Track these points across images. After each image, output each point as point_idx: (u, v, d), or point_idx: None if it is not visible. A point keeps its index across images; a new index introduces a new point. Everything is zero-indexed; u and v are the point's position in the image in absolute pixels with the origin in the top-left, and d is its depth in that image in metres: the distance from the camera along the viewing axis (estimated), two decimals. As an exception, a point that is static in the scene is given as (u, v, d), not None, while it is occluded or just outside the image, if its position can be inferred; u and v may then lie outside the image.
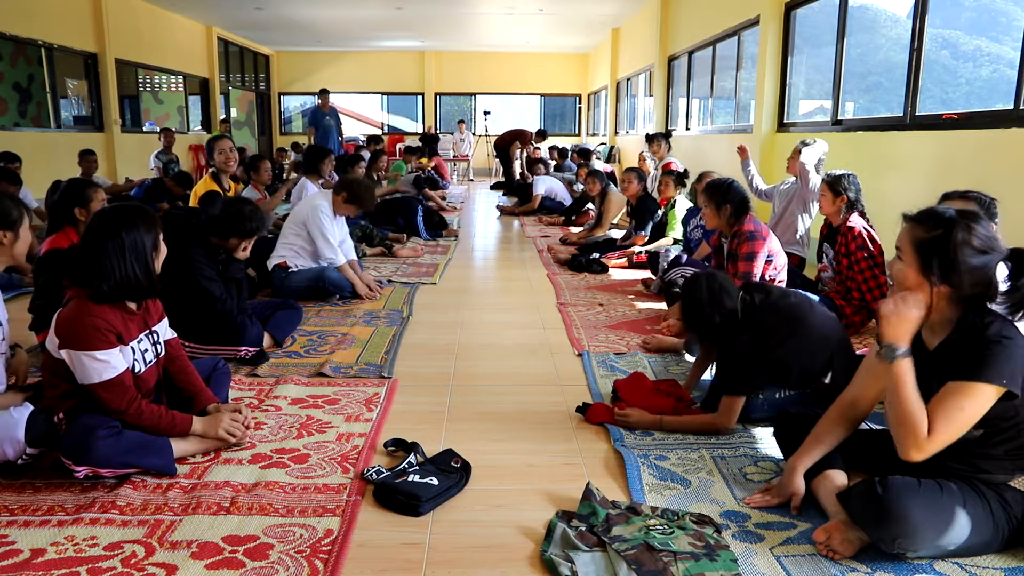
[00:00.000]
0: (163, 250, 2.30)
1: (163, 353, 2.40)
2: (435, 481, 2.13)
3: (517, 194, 11.08)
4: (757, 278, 3.49)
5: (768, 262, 3.56)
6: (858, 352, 2.79)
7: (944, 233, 1.74)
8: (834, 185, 3.82)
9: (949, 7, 5.83)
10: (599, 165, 10.93)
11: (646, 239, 6.04)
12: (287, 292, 4.40)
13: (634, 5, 12.33)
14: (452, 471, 2.21)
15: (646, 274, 5.30)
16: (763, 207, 5.88)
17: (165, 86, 13.86)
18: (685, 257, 4.69)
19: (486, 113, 17.85)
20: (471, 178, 16.71)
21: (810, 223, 4.99)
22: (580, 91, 19.22)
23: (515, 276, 5.68)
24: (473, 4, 12.57)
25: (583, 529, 1.92)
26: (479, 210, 10.56)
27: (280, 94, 19.27)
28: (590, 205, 8.35)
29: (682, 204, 5.87)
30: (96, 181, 5.38)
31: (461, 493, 2.15)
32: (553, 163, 13.12)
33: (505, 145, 12.64)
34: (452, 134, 17.50)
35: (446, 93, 19.43)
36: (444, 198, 10.62)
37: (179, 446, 2.27)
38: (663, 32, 11.26)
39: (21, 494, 2.09)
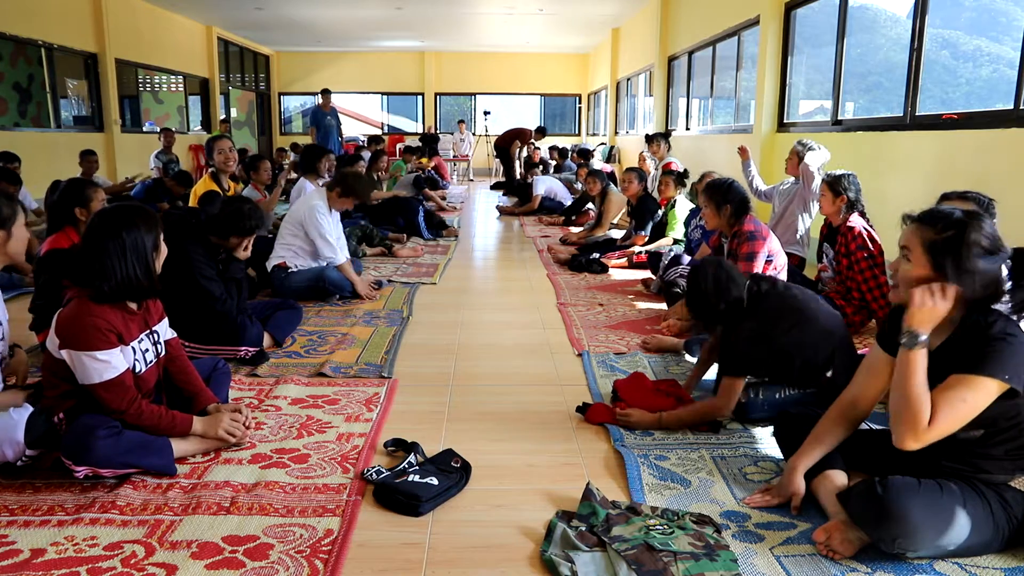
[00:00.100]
0: (164, 250, 2.30)
1: (163, 353, 2.40)
2: (435, 481, 2.13)
3: (517, 194, 11.08)
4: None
5: (768, 262, 3.57)
6: (859, 352, 2.79)
7: (957, 234, 1.74)
8: (834, 185, 3.82)
9: (949, 7, 5.83)
10: (598, 165, 10.93)
11: (646, 239, 6.05)
12: (287, 292, 4.40)
13: (634, 5, 12.33)
14: (452, 471, 2.21)
15: (646, 274, 5.30)
16: (763, 207, 5.88)
17: (165, 86, 13.86)
18: (687, 258, 4.69)
19: (486, 113, 17.85)
20: (471, 178, 16.71)
21: (810, 223, 4.99)
22: (580, 91, 19.22)
23: (515, 276, 5.68)
24: (473, 4, 12.57)
25: (583, 529, 1.92)
26: (479, 210, 10.56)
27: (280, 94, 19.27)
28: (590, 205, 8.35)
29: (682, 204, 5.87)
30: (96, 181, 5.38)
31: (461, 493, 2.15)
32: (553, 163, 13.13)
33: (505, 145, 12.65)
34: (452, 134, 17.50)
35: (446, 93, 19.43)
36: (444, 198, 10.62)
37: (179, 446, 2.27)
38: (663, 32, 11.26)
39: (21, 494, 2.09)
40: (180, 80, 14.02)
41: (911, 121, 5.07)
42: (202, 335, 3.28)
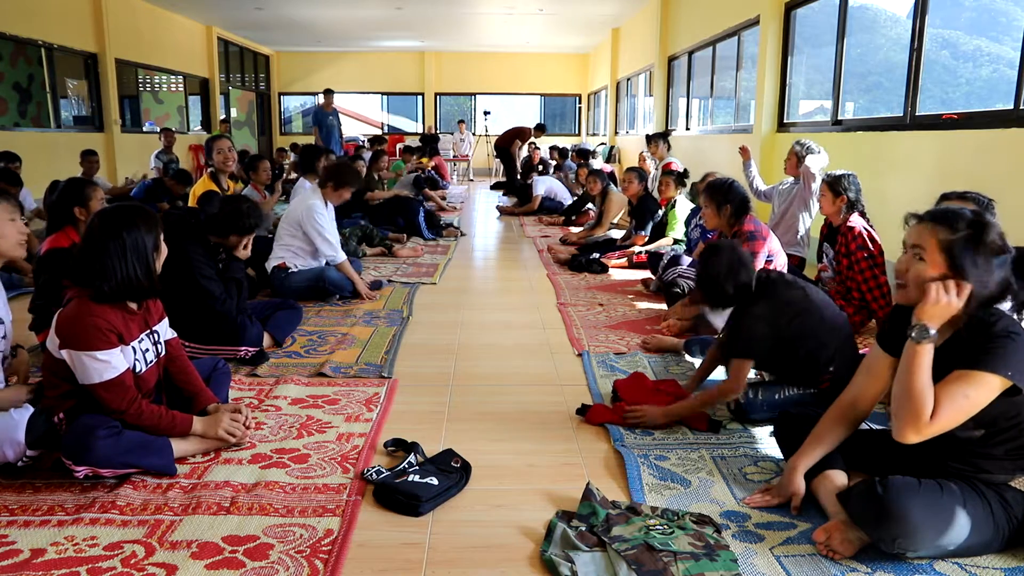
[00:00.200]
0: (164, 250, 2.30)
1: (163, 353, 2.40)
2: (435, 481, 2.13)
3: (517, 194, 11.09)
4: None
5: (768, 262, 3.57)
6: (860, 351, 2.80)
7: (974, 234, 1.74)
8: (834, 185, 3.82)
9: (949, 7, 5.83)
10: (598, 164, 10.93)
11: (646, 239, 6.05)
12: (287, 292, 4.40)
13: (634, 5, 12.33)
14: (452, 471, 2.21)
15: (646, 274, 5.29)
16: (763, 207, 5.88)
17: (165, 86, 13.86)
18: (686, 258, 4.69)
19: (486, 113, 17.85)
20: (471, 178, 16.71)
21: (810, 223, 4.99)
22: (580, 91, 19.22)
23: (515, 276, 5.68)
24: (473, 4, 12.57)
25: (583, 529, 1.92)
26: (479, 210, 10.56)
27: (280, 94, 19.28)
28: (590, 205, 8.36)
29: (682, 204, 5.87)
30: (96, 181, 5.38)
31: (461, 493, 2.15)
32: (553, 163, 13.13)
33: (505, 145, 12.65)
34: (452, 134, 17.50)
35: (446, 93, 19.43)
36: (444, 198, 10.63)
37: (179, 446, 2.27)
38: (663, 32, 11.26)
39: (21, 494, 2.09)
40: (180, 80, 14.02)
41: (911, 121, 5.07)
42: (202, 335, 3.27)
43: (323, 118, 11.47)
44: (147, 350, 2.29)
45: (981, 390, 1.70)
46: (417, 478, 2.13)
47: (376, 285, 4.87)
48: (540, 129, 13.93)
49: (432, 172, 12.12)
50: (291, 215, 4.62)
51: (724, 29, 8.69)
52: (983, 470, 1.81)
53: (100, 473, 2.09)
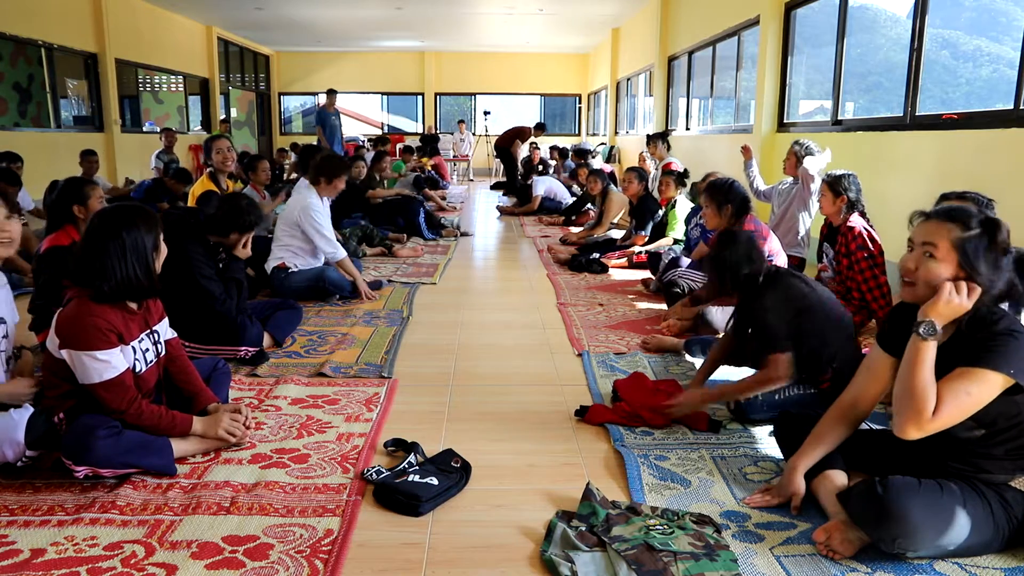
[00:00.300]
0: (163, 250, 2.30)
1: (163, 353, 2.40)
2: (435, 481, 2.13)
3: (517, 194, 11.09)
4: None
5: (768, 262, 3.56)
6: (862, 351, 2.80)
7: (987, 233, 1.75)
8: (834, 185, 3.82)
9: (949, 7, 5.83)
10: (597, 164, 10.93)
11: (646, 239, 6.05)
12: (287, 292, 4.40)
13: (634, 5, 12.33)
14: (452, 471, 2.21)
15: (646, 274, 5.30)
16: (763, 207, 5.88)
17: (165, 86, 13.86)
18: (686, 260, 4.69)
19: (486, 113, 17.85)
20: (471, 178, 16.72)
21: (810, 223, 4.99)
22: (580, 91, 19.22)
23: (515, 276, 5.68)
24: (473, 4, 12.57)
25: (583, 529, 1.92)
26: (479, 210, 10.56)
27: (280, 94, 19.27)
28: (590, 205, 8.36)
29: (682, 204, 5.87)
30: (95, 181, 5.38)
31: (461, 493, 2.15)
32: (554, 163, 13.13)
33: (506, 145, 12.65)
34: (452, 134, 17.50)
35: (446, 93, 19.43)
36: (444, 198, 10.62)
37: (179, 446, 2.27)
38: (663, 32, 11.26)
39: (21, 494, 2.09)
40: (180, 80, 14.02)
41: (911, 121, 5.07)
42: (202, 335, 3.27)
43: (327, 118, 11.52)
44: (147, 350, 2.29)
45: (983, 387, 1.70)
46: (417, 478, 2.13)
47: (376, 285, 4.87)
48: (540, 128, 13.93)
49: (432, 172, 12.12)
50: (288, 215, 4.61)
51: (724, 29, 8.69)
52: (983, 470, 1.81)
53: (100, 473, 2.09)
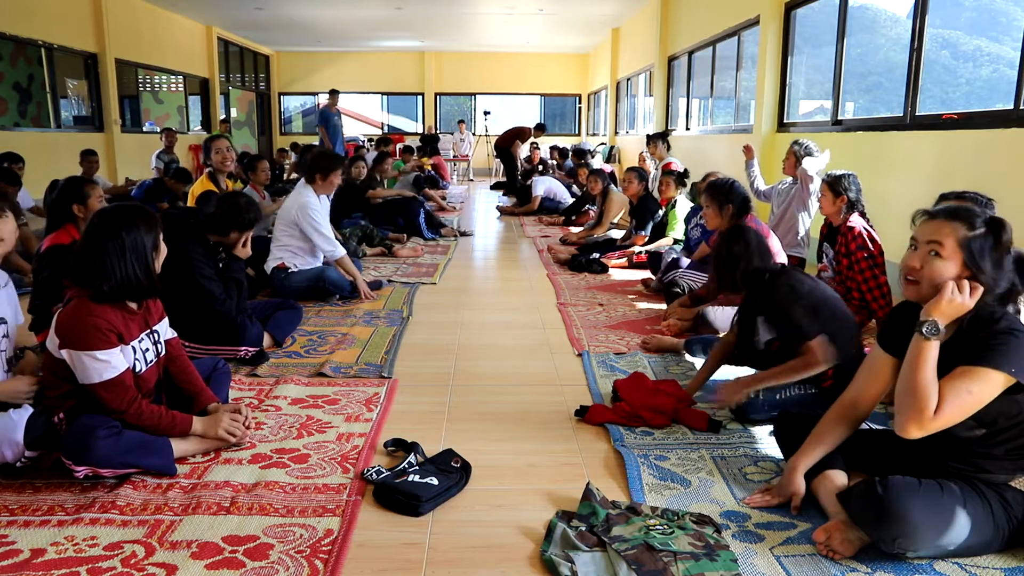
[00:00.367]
0: (163, 250, 2.30)
1: (163, 353, 2.40)
2: (435, 481, 2.13)
3: (517, 194, 11.10)
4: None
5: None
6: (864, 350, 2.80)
7: (993, 232, 1.75)
8: (834, 185, 3.82)
9: (949, 7, 5.83)
10: (596, 163, 10.93)
11: (646, 239, 6.05)
12: (287, 292, 4.40)
13: (634, 5, 12.33)
14: (452, 471, 2.21)
15: (646, 274, 5.30)
16: (763, 207, 5.88)
17: (165, 86, 13.86)
18: (686, 261, 4.69)
19: (486, 113, 17.86)
20: (471, 178, 16.72)
21: (810, 223, 4.99)
22: (580, 91, 19.22)
23: (515, 276, 5.68)
24: (473, 4, 12.57)
25: (583, 529, 1.92)
26: (479, 210, 10.56)
27: (280, 94, 19.28)
28: (589, 205, 8.35)
29: (683, 204, 5.87)
30: (95, 180, 5.38)
31: (461, 493, 2.15)
32: (554, 163, 13.13)
33: (506, 145, 12.65)
34: (452, 134, 17.50)
35: (446, 93, 19.43)
36: (444, 198, 10.62)
37: (179, 446, 2.27)
38: (663, 32, 11.26)
39: (21, 494, 2.09)
40: (180, 80, 14.02)
41: (911, 121, 5.07)
42: (202, 335, 3.27)
43: (329, 118, 11.56)
44: (147, 350, 2.29)
45: (984, 386, 1.70)
46: (417, 478, 2.13)
47: (376, 285, 4.87)
48: (540, 129, 13.93)
49: (432, 172, 12.12)
50: (285, 215, 4.60)
51: (724, 29, 8.69)
52: (983, 470, 1.81)
53: (100, 473, 2.09)
